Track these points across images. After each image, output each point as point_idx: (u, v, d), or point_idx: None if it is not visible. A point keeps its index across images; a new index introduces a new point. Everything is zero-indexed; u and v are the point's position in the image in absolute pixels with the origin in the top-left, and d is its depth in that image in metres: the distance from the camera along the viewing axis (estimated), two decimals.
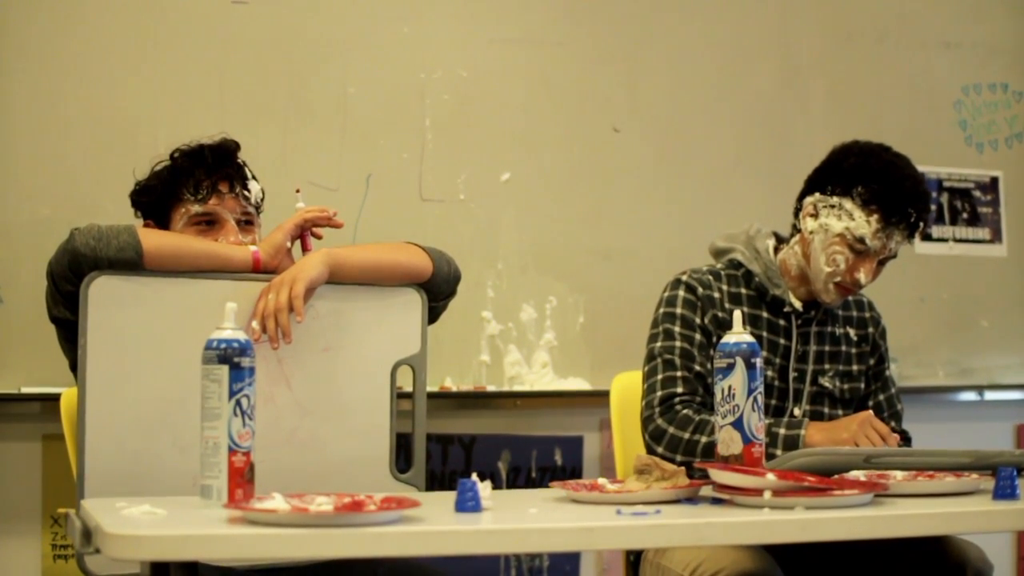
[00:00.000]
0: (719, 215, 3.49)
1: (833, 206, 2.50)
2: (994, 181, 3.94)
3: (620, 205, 3.55)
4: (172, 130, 3.14)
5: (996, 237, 3.94)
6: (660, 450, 2.41)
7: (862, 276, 2.49)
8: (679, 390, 2.45)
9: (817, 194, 2.54)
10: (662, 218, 3.58)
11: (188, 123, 3.14)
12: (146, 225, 2.38)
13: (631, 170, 3.58)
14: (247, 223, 2.37)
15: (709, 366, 2.48)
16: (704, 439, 2.36)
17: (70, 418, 2.44)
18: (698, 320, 2.52)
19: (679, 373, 2.47)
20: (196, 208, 2.31)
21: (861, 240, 2.47)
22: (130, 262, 2.10)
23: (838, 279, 2.51)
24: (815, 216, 2.53)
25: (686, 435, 2.39)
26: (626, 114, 3.58)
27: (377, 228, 3.27)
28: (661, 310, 2.56)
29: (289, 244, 2.30)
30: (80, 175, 3.08)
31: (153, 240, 2.14)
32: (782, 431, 2.35)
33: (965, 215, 3.90)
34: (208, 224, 2.32)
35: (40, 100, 3.07)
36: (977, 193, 3.91)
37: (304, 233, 2.35)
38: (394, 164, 3.35)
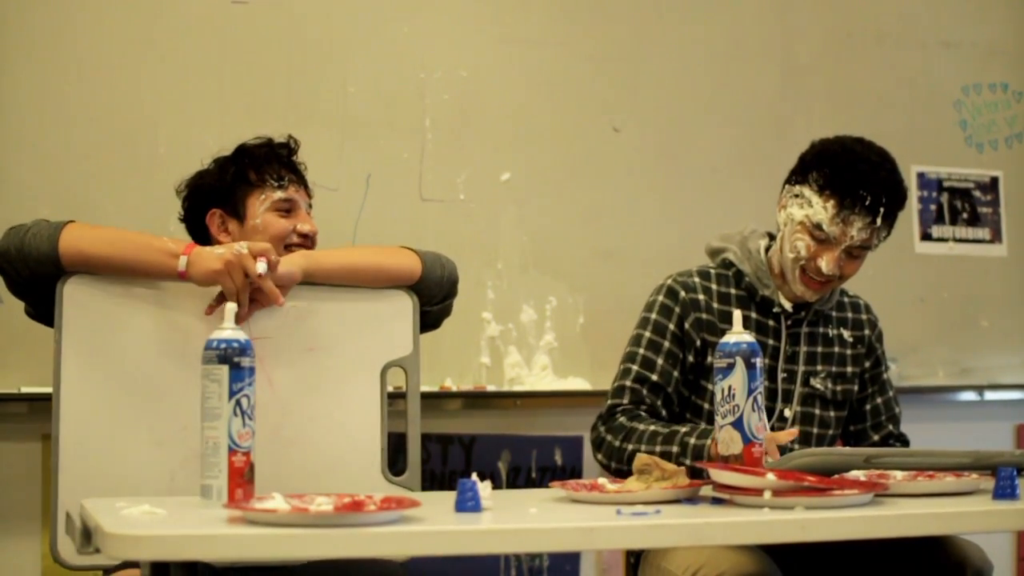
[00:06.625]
0: (719, 215, 3.48)
1: (796, 195, 2.50)
2: (994, 181, 3.94)
3: (620, 205, 3.55)
4: (172, 130, 3.15)
5: (996, 237, 3.94)
6: (599, 457, 2.48)
7: (823, 264, 2.46)
8: (624, 401, 2.50)
9: (787, 186, 2.55)
10: (662, 218, 3.58)
11: (188, 123, 3.15)
12: (211, 214, 2.41)
13: (631, 170, 3.57)
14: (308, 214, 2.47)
15: (676, 373, 2.51)
16: (630, 447, 2.40)
17: None
18: (671, 327, 2.53)
19: (629, 383, 2.51)
20: (279, 194, 2.39)
21: (819, 226, 2.45)
22: (45, 257, 2.11)
23: (802, 264, 2.49)
24: (785, 208, 2.53)
25: (617, 442, 2.43)
26: (626, 114, 3.58)
27: (377, 228, 3.27)
28: (641, 313, 2.58)
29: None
30: (80, 175, 3.08)
31: (74, 230, 2.15)
32: (692, 440, 2.32)
33: (965, 215, 3.90)
34: (288, 210, 2.40)
35: (40, 100, 3.07)
36: (977, 193, 3.91)
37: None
38: (394, 164, 3.35)
